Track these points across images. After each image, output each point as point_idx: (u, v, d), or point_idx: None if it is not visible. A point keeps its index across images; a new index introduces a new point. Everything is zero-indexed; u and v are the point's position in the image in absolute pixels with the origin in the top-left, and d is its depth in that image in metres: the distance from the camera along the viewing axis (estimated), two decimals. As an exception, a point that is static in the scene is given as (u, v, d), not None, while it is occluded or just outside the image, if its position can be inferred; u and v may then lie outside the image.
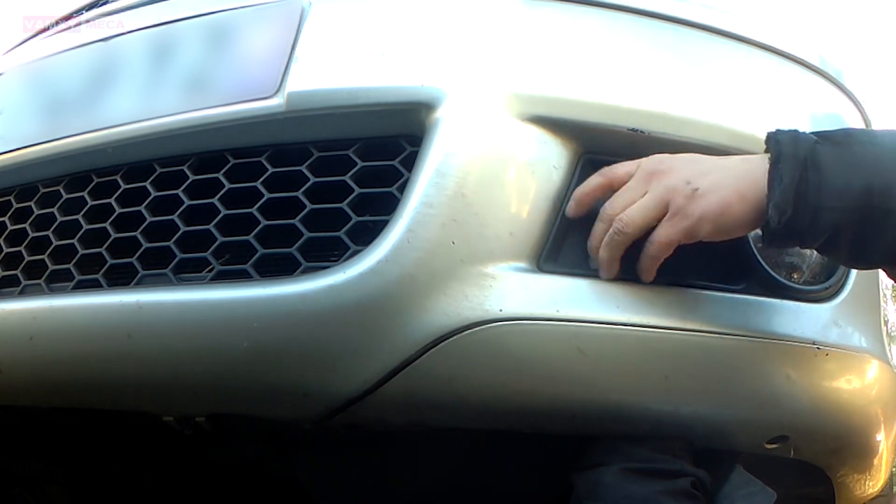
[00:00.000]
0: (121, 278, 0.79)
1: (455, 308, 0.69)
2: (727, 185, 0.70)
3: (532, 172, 0.74)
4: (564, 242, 0.75)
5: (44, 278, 0.84)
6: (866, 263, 0.76)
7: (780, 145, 0.70)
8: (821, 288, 0.85)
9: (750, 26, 0.88)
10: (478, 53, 0.76)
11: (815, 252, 0.84)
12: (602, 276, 0.74)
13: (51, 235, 0.85)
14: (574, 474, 0.78)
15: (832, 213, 0.68)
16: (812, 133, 0.71)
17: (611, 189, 0.74)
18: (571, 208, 0.75)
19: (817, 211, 0.68)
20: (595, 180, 0.75)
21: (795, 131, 0.71)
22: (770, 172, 0.69)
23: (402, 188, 0.71)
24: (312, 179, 0.75)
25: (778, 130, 0.71)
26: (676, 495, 0.73)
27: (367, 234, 0.71)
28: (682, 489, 0.74)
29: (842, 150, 0.69)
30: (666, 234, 0.71)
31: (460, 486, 0.97)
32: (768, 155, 0.70)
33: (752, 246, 0.79)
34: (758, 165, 0.70)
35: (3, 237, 0.90)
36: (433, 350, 0.69)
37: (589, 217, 0.75)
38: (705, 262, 0.77)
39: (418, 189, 0.70)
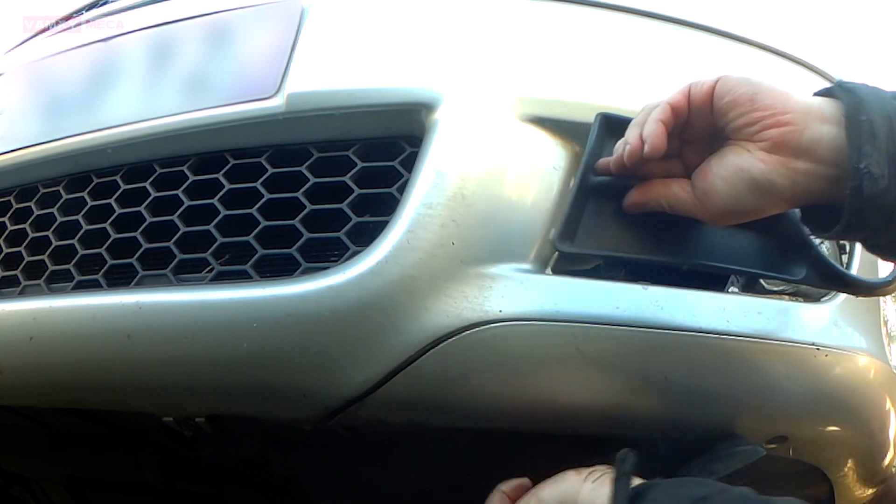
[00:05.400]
0: (121, 279, 0.79)
1: (455, 309, 0.69)
2: None
3: (531, 173, 0.74)
4: (564, 243, 0.75)
5: (44, 279, 0.84)
6: None
7: (857, 92, 0.54)
8: (820, 288, 0.85)
9: (752, 28, 0.88)
10: (477, 54, 0.76)
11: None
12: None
13: (51, 236, 0.85)
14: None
15: None
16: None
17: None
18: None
19: None
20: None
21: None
22: (851, 125, 0.52)
23: (402, 189, 0.71)
24: (312, 180, 0.75)
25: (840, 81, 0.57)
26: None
27: (366, 235, 0.71)
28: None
29: None
30: None
31: (460, 485, 0.97)
32: (837, 104, 0.54)
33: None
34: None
35: (3, 237, 0.90)
36: (433, 351, 0.69)
37: (590, 217, 0.75)
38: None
39: (418, 190, 0.70)
